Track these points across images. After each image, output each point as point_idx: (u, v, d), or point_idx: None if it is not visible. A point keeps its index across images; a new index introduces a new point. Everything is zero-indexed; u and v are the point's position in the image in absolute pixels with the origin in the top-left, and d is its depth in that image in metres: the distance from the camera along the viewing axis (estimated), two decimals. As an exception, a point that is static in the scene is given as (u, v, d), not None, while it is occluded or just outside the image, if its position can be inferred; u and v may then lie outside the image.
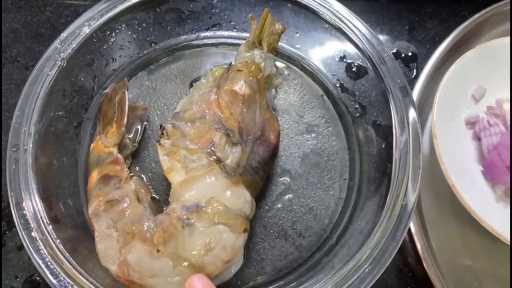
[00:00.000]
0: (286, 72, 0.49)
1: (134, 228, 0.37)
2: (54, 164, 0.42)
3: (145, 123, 0.46)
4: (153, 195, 0.43)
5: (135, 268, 0.35)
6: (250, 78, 0.41)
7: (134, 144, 0.45)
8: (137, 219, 0.38)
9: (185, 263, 0.34)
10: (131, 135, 0.45)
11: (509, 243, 0.39)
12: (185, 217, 0.36)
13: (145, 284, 0.35)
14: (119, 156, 0.42)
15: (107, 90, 0.46)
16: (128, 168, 0.43)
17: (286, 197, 0.43)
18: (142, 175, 0.44)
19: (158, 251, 0.35)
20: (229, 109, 0.39)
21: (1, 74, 0.51)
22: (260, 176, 0.40)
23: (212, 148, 0.38)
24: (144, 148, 0.45)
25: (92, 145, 0.44)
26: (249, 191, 0.39)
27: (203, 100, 0.41)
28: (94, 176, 0.41)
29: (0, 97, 0.50)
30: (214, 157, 0.38)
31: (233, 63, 0.44)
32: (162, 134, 0.40)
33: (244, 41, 0.44)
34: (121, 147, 0.44)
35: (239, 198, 0.37)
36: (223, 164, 0.38)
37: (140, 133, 0.45)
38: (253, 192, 0.39)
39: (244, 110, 0.40)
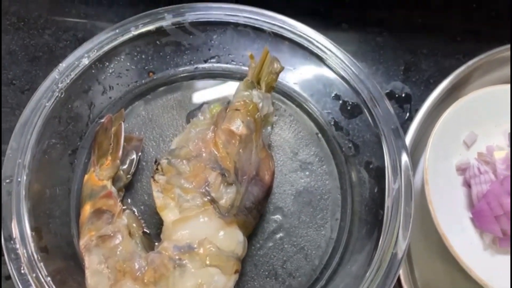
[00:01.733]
0: (282, 107, 0.50)
1: (125, 266, 0.37)
2: (46, 192, 0.42)
3: (140, 154, 0.46)
4: (144, 229, 0.42)
5: None
6: (248, 118, 0.41)
7: (128, 176, 0.45)
8: (128, 257, 0.38)
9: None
10: (125, 166, 0.45)
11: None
12: (177, 257, 0.36)
13: None
14: (113, 189, 0.42)
15: (103, 120, 0.46)
16: (121, 201, 0.43)
17: (278, 235, 0.44)
18: (134, 209, 0.44)
19: None
20: (225, 148, 0.40)
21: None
22: (253, 215, 0.40)
23: (207, 188, 0.38)
24: (137, 180, 0.45)
25: (86, 176, 0.44)
26: (242, 231, 0.39)
27: (199, 138, 0.41)
28: (87, 209, 0.41)
29: None
30: (209, 197, 0.38)
31: (231, 100, 0.44)
32: (157, 169, 0.40)
33: (243, 80, 0.44)
34: (114, 179, 0.43)
35: (232, 239, 0.38)
36: (217, 204, 0.38)
37: (135, 165, 0.45)
38: (245, 232, 0.39)
39: (241, 150, 0.40)
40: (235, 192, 0.38)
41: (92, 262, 0.38)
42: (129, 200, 0.45)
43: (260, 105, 0.43)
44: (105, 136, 0.45)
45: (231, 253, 0.37)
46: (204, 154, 0.40)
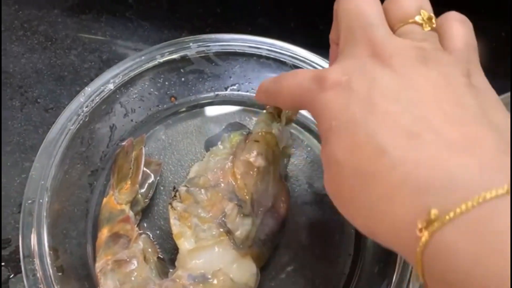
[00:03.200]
0: (299, 137, 0.51)
1: None
2: (64, 212, 0.43)
3: (158, 178, 0.47)
4: (159, 255, 0.43)
5: None
6: (266, 150, 0.42)
7: (146, 200, 0.45)
8: (143, 283, 0.38)
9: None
10: (143, 190, 0.45)
11: None
12: (190, 287, 0.37)
13: None
14: (131, 214, 0.43)
15: (124, 143, 0.47)
16: (138, 225, 0.43)
17: (290, 267, 0.44)
18: (149, 233, 0.44)
19: None
20: (243, 179, 0.40)
21: (17, 114, 0.52)
22: (267, 247, 0.41)
23: (223, 219, 0.39)
24: (154, 204, 0.46)
25: (104, 199, 0.44)
26: (256, 263, 0.39)
27: (218, 168, 0.41)
28: (104, 232, 0.42)
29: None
30: (225, 228, 0.38)
31: (251, 131, 0.44)
32: (175, 196, 0.41)
33: (263, 111, 0.45)
34: (132, 203, 0.44)
35: (246, 271, 0.38)
36: (232, 236, 0.38)
37: (153, 189, 0.46)
38: (259, 263, 0.40)
39: (258, 181, 0.40)
40: (251, 224, 0.39)
41: (107, 287, 0.38)
42: (145, 224, 0.45)
43: (279, 137, 0.44)
44: (126, 160, 0.46)
45: (244, 285, 0.37)
46: (222, 184, 0.40)
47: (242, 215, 0.39)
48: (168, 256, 0.43)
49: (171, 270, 0.40)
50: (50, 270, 0.38)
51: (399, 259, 0.39)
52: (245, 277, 0.38)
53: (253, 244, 0.39)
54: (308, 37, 0.52)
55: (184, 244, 0.39)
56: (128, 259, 0.39)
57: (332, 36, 0.34)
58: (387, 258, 0.41)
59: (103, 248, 0.41)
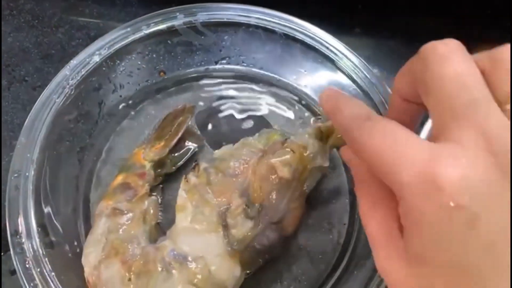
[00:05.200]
0: (292, 110, 0.50)
1: (121, 246, 0.37)
2: (53, 189, 0.42)
3: (194, 151, 0.46)
4: (159, 221, 0.42)
5: (103, 284, 0.35)
6: (297, 165, 0.39)
7: (173, 167, 0.45)
8: (128, 239, 0.38)
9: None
10: (176, 154, 0.45)
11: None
12: (168, 260, 0.36)
13: None
14: (151, 173, 0.42)
15: (179, 107, 0.47)
16: (155, 187, 0.43)
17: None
18: (161, 198, 0.44)
19: (129, 280, 0.35)
20: (261, 182, 0.38)
21: (5, 92, 0.51)
22: (262, 257, 0.39)
23: (225, 211, 0.37)
24: (182, 175, 0.43)
25: (136, 149, 0.45)
26: (243, 267, 0.37)
27: (244, 159, 0.40)
28: (119, 179, 0.42)
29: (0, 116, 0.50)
30: (223, 222, 0.37)
31: (291, 137, 0.42)
32: (194, 169, 0.40)
33: (316, 124, 0.43)
34: (158, 164, 0.44)
35: (227, 271, 0.36)
36: (228, 231, 0.37)
37: (184, 159, 0.46)
38: (246, 268, 0.38)
39: (275, 191, 0.38)
40: (250, 228, 0.37)
41: (97, 229, 0.39)
42: (163, 188, 0.45)
43: (314, 156, 0.40)
44: (170, 122, 0.45)
45: (220, 282, 0.36)
46: (239, 177, 0.39)
47: (245, 215, 0.37)
48: (168, 227, 0.42)
49: (161, 238, 0.39)
50: (39, 247, 0.37)
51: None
52: (225, 276, 0.36)
53: (246, 249, 0.37)
54: (298, 7, 0.51)
55: (181, 219, 0.38)
56: (125, 212, 0.39)
57: (401, 87, 0.28)
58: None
59: (110, 193, 0.41)
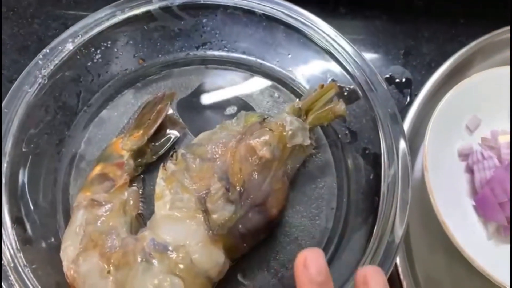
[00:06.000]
0: (276, 95, 0.48)
1: (99, 238, 0.36)
2: (31, 183, 0.41)
3: (175, 140, 0.45)
4: (140, 212, 0.41)
5: (81, 278, 0.34)
6: (276, 143, 0.38)
7: (154, 156, 0.44)
8: (106, 231, 0.37)
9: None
10: (157, 144, 0.44)
11: (500, 284, 0.37)
12: (147, 251, 0.35)
13: None
14: (130, 162, 0.41)
15: (159, 94, 0.45)
16: (133, 177, 0.42)
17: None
18: (142, 189, 0.43)
19: (108, 272, 0.34)
20: (240, 164, 0.37)
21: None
22: (245, 242, 0.37)
23: (205, 196, 0.36)
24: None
25: (114, 139, 0.43)
26: (227, 253, 0.36)
27: (222, 143, 0.38)
28: (97, 170, 0.41)
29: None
30: (203, 207, 0.36)
31: (270, 117, 0.41)
32: (172, 156, 0.39)
33: (293, 103, 0.42)
34: (139, 153, 0.43)
35: (210, 258, 0.35)
36: (208, 217, 0.35)
37: (165, 148, 0.44)
38: (230, 255, 0.37)
39: (255, 172, 0.37)
40: (232, 212, 0.36)
41: (74, 222, 0.38)
42: (145, 179, 0.43)
43: (295, 134, 0.39)
44: (149, 110, 0.44)
45: (203, 271, 0.35)
46: (218, 161, 0.37)
47: (226, 199, 0.36)
48: (149, 217, 0.41)
49: (141, 229, 0.38)
50: (13, 242, 0.36)
51: (381, 207, 0.37)
52: (208, 263, 0.35)
53: (229, 234, 0.36)
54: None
55: (160, 207, 0.37)
56: (103, 203, 0.38)
57: None
58: (369, 208, 0.39)
59: (88, 184, 0.40)
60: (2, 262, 0.34)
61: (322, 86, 0.41)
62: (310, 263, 0.27)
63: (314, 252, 0.28)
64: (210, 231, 0.35)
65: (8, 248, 0.35)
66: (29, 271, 0.35)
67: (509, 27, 0.49)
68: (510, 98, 0.45)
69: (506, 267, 0.38)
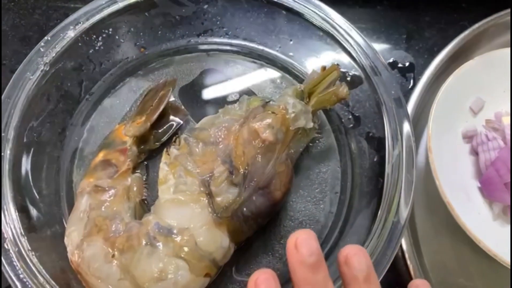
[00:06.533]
0: (278, 81, 0.48)
1: (103, 223, 0.36)
2: (34, 171, 0.41)
3: (178, 127, 0.45)
4: (144, 198, 0.41)
5: (86, 262, 0.34)
6: (280, 126, 0.37)
7: (156, 143, 0.44)
8: (111, 216, 0.37)
9: (130, 281, 0.33)
10: (159, 131, 0.44)
11: (506, 264, 0.37)
12: (152, 235, 0.34)
13: (88, 281, 0.34)
14: (133, 149, 0.41)
15: (161, 81, 0.46)
16: (136, 164, 0.42)
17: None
18: (145, 175, 0.43)
19: (113, 256, 0.34)
20: (243, 147, 0.36)
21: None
22: (249, 225, 0.37)
23: (209, 179, 0.36)
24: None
25: (116, 126, 0.44)
26: (232, 237, 0.36)
27: (224, 127, 0.38)
28: (100, 156, 0.41)
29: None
30: (207, 190, 0.36)
31: (272, 100, 0.41)
32: (174, 142, 0.39)
33: (295, 86, 0.41)
34: (142, 140, 0.43)
35: (214, 241, 0.35)
36: (212, 200, 0.35)
37: (168, 135, 0.44)
38: (235, 239, 0.37)
39: (259, 155, 0.36)
40: (236, 195, 0.35)
41: (78, 207, 0.38)
42: (148, 166, 0.43)
43: (298, 116, 0.39)
44: (152, 97, 0.44)
45: (207, 254, 0.35)
46: (221, 145, 0.37)
47: (230, 182, 0.36)
48: (153, 203, 0.41)
49: (145, 214, 0.38)
50: (18, 229, 0.35)
51: (385, 188, 0.37)
52: (212, 246, 0.35)
53: (233, 216, 0.36)
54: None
55: (164, 192, 0.37)
56: (107, 189, 0.38)
57: None
58: (374, 190, 0.39)
59: (91, 170, 0.40)
60: (7, 247, 0.34)
61: (324, 68, 0.41)
62: (300, 244, 0.27)
63: (305, 234, 0.27)
64: (215, 214, 0.35)
65: (13, 233, 0.35)
66: (33, 256, 0.35)
67: (509, 10, 0.49)
68: (510, 80, 0.44)
69: (512, 247, 0.38)
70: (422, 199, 0.44)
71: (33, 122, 0.41)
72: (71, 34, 0.42)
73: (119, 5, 0.43)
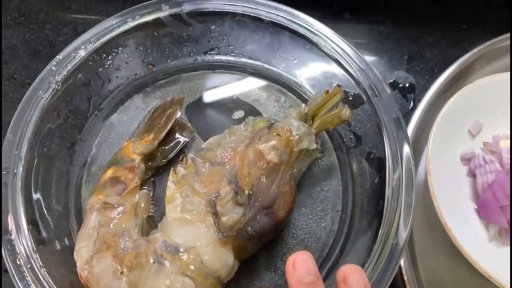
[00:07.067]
0: (282, 99, 0.49)
1: (112, 240, 0.37)
2: (44, 186, 0.42)
3: (184, 143, 0.46)
4: (151, 214, 0.42)
5: (95, 278, 0.35)
6: (284, 148, 0.39)
7: (163, 160, 0.45)
8: (119, 233, 0.38)
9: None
10: (166, 147, 0.45)
11: (501, 286, 0.38)
12: (159, 253, 0.36)
13: None
14: (141, 166, 0.42)
15: (168, 99, 0.46)
16: (146, 181, 0.44)
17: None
18: (152, 192, 0.44)
19: (121, 273, 0.35)
20: (249, 168, 0.38)
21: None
22: (253, 244, 0.38)
23: (215, 200, 0.37)
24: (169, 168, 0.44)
25: (125, 143, 0.45)
26: (236, 254, 0.37)
27: (230, 147, 0.39)
28: (108, 173, 0.42)
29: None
30: (213, 210, 0.37)
31: (277, 122, 0.42)
32: (181, 160, 0.40)
33: (299, 108, 0.43)
34: (148, 157, 0.44)
35: (220, 259, 0.36)
36: (218, 219, 0.37)
37: (175, 152, 0.45)
38: (239, 256, 0.38)
39: (263, 176, 0.38)
40: (241, 215, 0.37)
41: (88, 224, 0.39)
42: (155, 182, 0.45)
43: (301, 138, 0.40)
44: (159, 115, 0.45)
45: (213, 271, 0.36)
46: (227, 165, 0.39)
47: (235, 202, 0.37)
48: (161, 220, 0.42)
49: (152, 231, 0.39)
50: (29, 244, 0.36)
51: (385, 210, 0.38)
52: (217, 264, 0.36)
53: (238, 235, 0.37)
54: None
55: (171, 210, 0.38)
56: (116, 206, 0.39)
57: None
58: (374, 211, 0.40)
59: (100, 187, 0.41)
60: (18, 262, 0.35)
61: (327, 92, 0.42)
62: (298, 264, 0.29)
63: (302, 255, 0.29)
64: (220, 233, 0.36)
65: (25, 249, 0.36)
66: (45, 272, 0.36)
67: (509, 34, 0.50)
68: (510, 103, 0.46)
69: (507, 269, 0.39)
70: (420, 218, 0.45)
71: (44, 137, 0.42)
72: (82, 53, 0.43)
73: (129, 25, 0.45)
